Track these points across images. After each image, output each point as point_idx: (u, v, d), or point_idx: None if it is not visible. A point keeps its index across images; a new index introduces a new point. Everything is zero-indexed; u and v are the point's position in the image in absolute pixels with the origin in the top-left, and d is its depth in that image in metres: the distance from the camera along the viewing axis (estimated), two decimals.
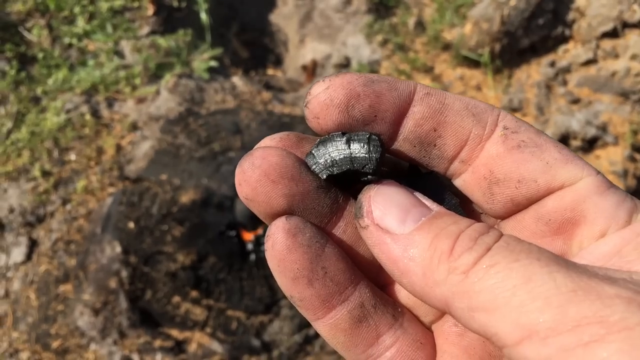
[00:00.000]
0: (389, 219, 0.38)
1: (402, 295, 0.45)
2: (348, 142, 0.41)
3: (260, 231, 2.01)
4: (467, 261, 0.33)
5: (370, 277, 0.44)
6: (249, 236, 2.01)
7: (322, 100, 0.40)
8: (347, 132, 0.41)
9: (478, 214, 0.45)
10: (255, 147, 0.42)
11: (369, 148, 0.41)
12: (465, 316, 0.32)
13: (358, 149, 0.41)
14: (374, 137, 0.41)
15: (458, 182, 0.43)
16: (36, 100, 2.52)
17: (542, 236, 0.40)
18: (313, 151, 0.42)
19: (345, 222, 0.43)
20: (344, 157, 0.41)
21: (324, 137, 0.42)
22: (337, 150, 0.41)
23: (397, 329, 0.43)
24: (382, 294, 0.44)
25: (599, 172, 0.40)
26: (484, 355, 0.42)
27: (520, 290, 0.30)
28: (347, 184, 0.43)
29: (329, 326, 0.42)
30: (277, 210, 0.41)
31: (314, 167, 0.42)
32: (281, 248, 0.40)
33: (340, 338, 0.42)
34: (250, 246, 2.00)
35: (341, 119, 0.40)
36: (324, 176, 0.42)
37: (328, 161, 0.41)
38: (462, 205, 0.44)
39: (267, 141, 0.42)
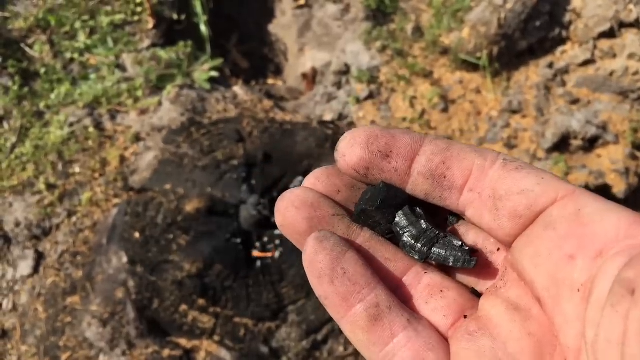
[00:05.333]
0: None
1: (422, 307, 0.51)
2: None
3: (269, 253, 2.03)
4: None
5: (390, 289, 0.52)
6: (259, 254, 2.02)
7: (347, 141, 0.51)
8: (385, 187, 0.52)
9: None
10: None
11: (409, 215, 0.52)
12: None
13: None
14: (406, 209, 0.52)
15: (470, 212, 0.50)
16: (39, 114, 2.54)
17: (551, 241, 0.45)
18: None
19: (360, 241, 0.52)
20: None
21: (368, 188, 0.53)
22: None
23: (410, 331, 0.48)
24: (399, 301, 0.50)
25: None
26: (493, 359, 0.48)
27: None
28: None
29: (349, 324, 0.48)
30: (301, 231, 0.50)
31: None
32: (310, 251, 0.48)
33: (359, 336, 0.48)
34: (259, 262, 2.01)
35: (362, 153, 0.50)
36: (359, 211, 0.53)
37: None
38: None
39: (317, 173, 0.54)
